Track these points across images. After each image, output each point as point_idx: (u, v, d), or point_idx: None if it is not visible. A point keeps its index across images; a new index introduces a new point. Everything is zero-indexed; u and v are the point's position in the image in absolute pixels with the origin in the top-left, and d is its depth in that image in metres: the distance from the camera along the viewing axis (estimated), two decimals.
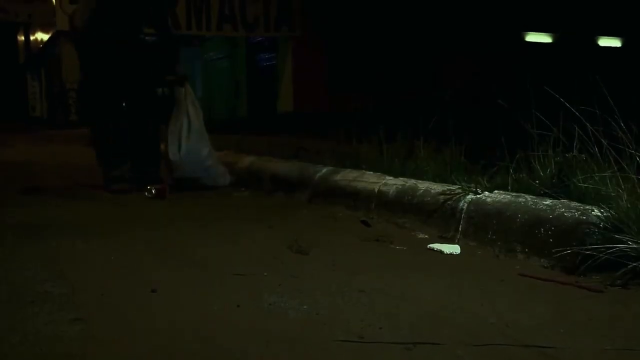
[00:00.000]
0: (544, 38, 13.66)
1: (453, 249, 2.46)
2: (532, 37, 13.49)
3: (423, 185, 2.92)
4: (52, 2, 13.13)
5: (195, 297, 1.87)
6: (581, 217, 2.15)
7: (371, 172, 3.33)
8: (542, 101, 2.69)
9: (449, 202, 2.67)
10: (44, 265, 2.19)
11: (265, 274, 2.12)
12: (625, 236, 1.97)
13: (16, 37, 23.57)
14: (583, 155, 2.41)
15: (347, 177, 3.40)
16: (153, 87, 4.33)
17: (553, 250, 2.15)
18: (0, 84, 31.62)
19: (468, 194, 2.63)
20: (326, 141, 5.58)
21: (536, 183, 2.51)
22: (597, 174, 2.24)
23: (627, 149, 2.18)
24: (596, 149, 2.32)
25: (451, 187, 2.75)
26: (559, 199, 2.33)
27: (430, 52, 11.24)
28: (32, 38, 19.25)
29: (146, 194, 3.84)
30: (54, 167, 6.00)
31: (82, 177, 4.83)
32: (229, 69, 16.15)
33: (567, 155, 2.46)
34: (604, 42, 14.34)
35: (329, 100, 12.19)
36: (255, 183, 4.19)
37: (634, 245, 1.92)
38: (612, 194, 2.13)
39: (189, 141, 4.09)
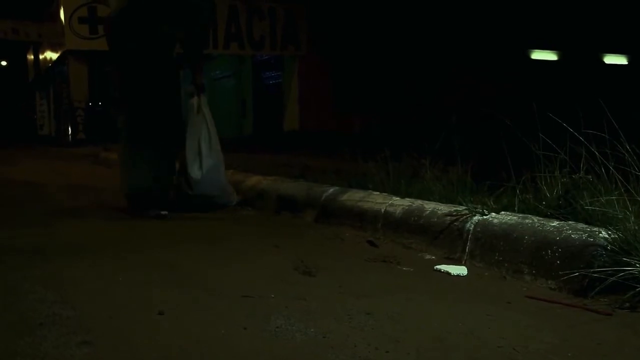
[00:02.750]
0: (550, 56, 13.70)
1: (460, 270, 2.45)
2: (538, 55, 13.53)
3: (430, 206, 2.92)
4: (61, 22, 13.29)
5: (203, 320, 1.87)
6: (588, 239, 2.14)
7: (377, 193, 3.34)
8: (548, 121, 2.69)
9: (455, 223, 2.67)
10: (52, 288, 2.19)
11: (272, 295, 2.12)
12: (633, 259, 1.96)
13: (26, 56, 23.80)
14: (590, 177, 2.41)
15: (354, 197, 3.40)
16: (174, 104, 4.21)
17: (560, 272, 2.15)
18: (9, 103, 31.91)
19: (475, 215, 2.63)
20: (332, 160, 5.61)
21: (543, 204, 2.51)
22: (604, 197, 2.24)
23: (633, 171, 2.18)
24: (603, 170, 2.32)
25: (458, 208, 2.75)
26: (566, 221, 2.33)
27: (436, 71, 11.28)
28: (41, 57, 19.44)
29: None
30: (62, 186, 6.02)
31: (91, 197, 4.86)
32: (235, 87, 16.25)
33: (573, 176, 2.46)
34: (610, 59, 14.36)
35: (335, 118, 12.24)
36: (261, 202, 4.20)
37: None
38: (619, 216, 2.13)
39: (210, 157, 3.98)
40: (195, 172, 3.93)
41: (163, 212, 3.88)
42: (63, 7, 13.18)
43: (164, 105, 4.06)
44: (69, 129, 15.27)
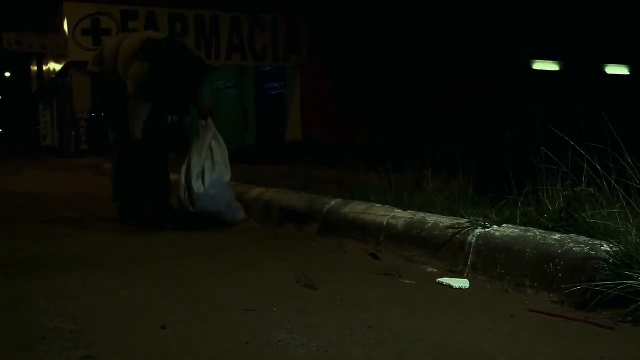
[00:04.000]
0: (551, 66, 13.72)
1: (462, 283, 2.45)
2: (540, 65, 13.56)
3: (432, 218, 2.92)
4: (65, 33, 13.37)
5: (205, 334, 1.88)
6: (590, 252, 2.14)
7: (380, 205, 3.34)
8: (549, 133, 2.70)
9: (457, 236, 2.68)
10: (54, 301, 2.20)
11: (274, 309, 2.13)
12: (635, 272, 1.96)
13: (29, 68, 23.92)
14: (591, 189, 2.42)
15: (356, 209, 3.41)
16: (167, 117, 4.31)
17: (562, 286, 2.15)
18: (12, 114, 32.04)
19: (477, 228, 2.63)
20: (335, 170, 5.62)
21: (544, 217, 2.51)
22: (606, 210, 2.24)
23: (634, 184, 2.18)
24: (604, 183, 2.33)
25: (460, 221, 2.75)
26: (568, 234, 2.33)
27: (438, 81, 11.30)
28: (44, 68, 19.53)
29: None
30: (64, 197, 6.04)
31: (93, 208, 4.87)
32: (237, 97, 16.31)
33: (575, 189, 2.47)
34: (612, 69, 14.38)
35: (337, 128, 12.25)
36: (264, 214, 4.21)
37: None
38: (621, 230, 2.13)
39: (214, 174, 3.98)
40: (198, 187, 3.92)
41: (165, 225, 3.90)
42: (67, 19, 13.26)
43: (154, 123, 4.08)
44: (72, 139, 15.33)
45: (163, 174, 4.24)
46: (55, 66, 16.96)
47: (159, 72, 3.86)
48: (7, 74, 33.15)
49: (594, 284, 2.03)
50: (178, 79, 3.94)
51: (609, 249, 2.11)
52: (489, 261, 2.49)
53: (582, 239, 2.25)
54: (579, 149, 2.39)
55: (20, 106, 30.11)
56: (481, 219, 2.68)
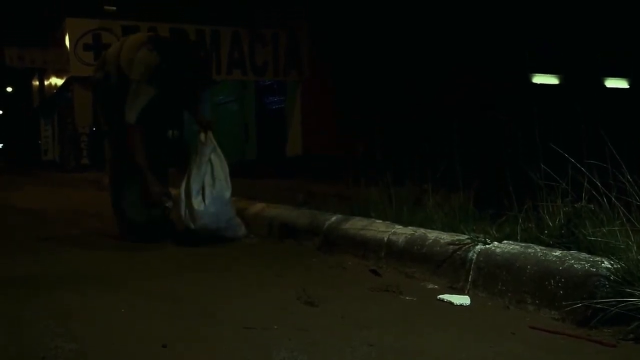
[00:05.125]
0: (551, 79, 13.77)
1: (463, 300, 2.45)
2: (539, 79, 13.61)
3: (432, 234, 2.92)
4: (67, 48, 13.43)
5: (206, 352, 1.87)
6: (591, 268, 2.14)
7: (380, 221, 3.34)
8: (549, 150, 2.70)
9: (458, 252, 2.68)
10: (54, 319, 2.19)
11: (275, 327, 2.12)
12: (636, 289, 1.96)
13: (31, 82, 24.01)
14: (592, 205, 2.42)
15: (356, 225, 3.41)
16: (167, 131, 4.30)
17: (563, 303, 2.14)
18: (14, 128, 32.13)
19: (477, 244, 2.63)
20: (335, 185, 5.62)
21: (545, 233, 2.51)
22: (606, 227, 2.24)
23: (634, 201, 2.19)
24: (604, 200, 2.33)
25: (460, 237, 2.75)
26: (569, 250, 2.33)
27: (436, 96, 11.34)
28: (46, 83, 19.60)
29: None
30: (65, 212, 6.02)
31: (94, 224, 4.86)
32: (238, 112, 16.34)
33: (575, 205, 2.47)
34: (611, 83, 14.43)
35: (338, 142, 12.26)
36: (265, 230, 4.21)
37: None
38: (622, 246, 2.13)
39: (214, 190, 3.94)
40: (197, 203, 3.88)
41: (165, 242, 3.90)
42: (68, 34, 13.33)
43: (153, 135, 4.07)
44: (73, 154, 15.36)
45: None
46: (56, 81, 17.02)
47: (164, 61, 3.85)
48: (9, 89, 33.27)
49: (595, 301, 2.03)
50: (182, 74, 3.93)
51: (609, 266, 2.11)
52: (490, 278, 2.49)
53: (583, 255, 2.25)
54: (579, 165, 2.40)
55: (22, 121, 30.20)
56: (482, 235, 2.68)
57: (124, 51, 4.00)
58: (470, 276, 2.58)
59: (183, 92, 4.11)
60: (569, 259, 2.24)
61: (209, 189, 3.93)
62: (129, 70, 3.91)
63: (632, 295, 1.95)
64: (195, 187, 3.91)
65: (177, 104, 4.23)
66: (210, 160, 4.00)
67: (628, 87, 14.46)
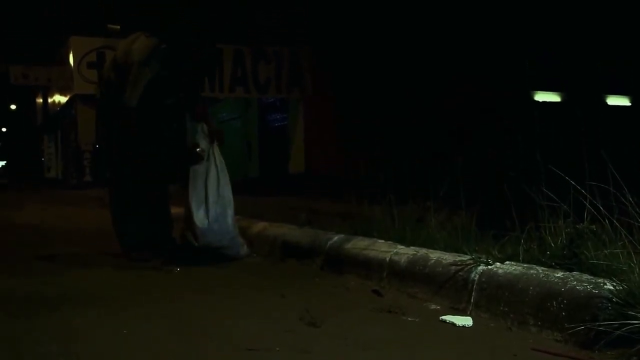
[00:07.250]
0: (552, 97, 13.81)
1: (465, 321, 2.44)
2: (541, 97, 13.65)
3: (434, 255, 2.92)
4: (70, 66, 13.54)
5: None
6: (593, 290, 2.14)
7: (382, 241, 3.35)
8: (551, 171, 2.71)
9: (460, 273, 2.68)
10: (57, 340, 2.19)
11: (277, 348, 2.12)
12: (639, 312, 1.95)
13: (35, 100, 24.17)
14: (594, 226, 2.42)
15: (359, 245, 3.41)
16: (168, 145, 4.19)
17: (566, 325, 2.14)
18: (17, 145, 32.26)
19: (479, 265, 2.63)
20: (338, 203, 5.62)
21: (547, 254, 2.51)
22: (608, 248, 2.24)
23: (636, 223, 2.19)
24: (606, 221, 2.33)
25: (462, 258, 2.75)
26: (571, 271, 2.33)
27: (439, 116, 11.37)
28: (50, 100, 19.74)
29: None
30: (68, 230, 6.03)
31: (96, 243, 4.85)
32: (241, 129, 16.41)
33: (577, 226, 2.47)
34: (613, 100, 14.46)
35: (340, 160, 12.29)
36: (267, 249, 4.21)
37: None
38: (624, 268, 2.13)
39: (217, 207, 3.88)
40: (200, 220, 3.84)
41: (167, 260, 3.89)
42: (73, 52, 13.45)
43: (151, 154, 4.06)
44: (76, 171, 15.41)
45: (163, 206, 4.22)
46: (60, 98, 17.14)
47: (163, 42, 3.88)
48: (13, 106, 33.45)
49: (597, 323, 2.02)
50: (183, 67, 3.94)
51: (612, 288, 2.11)
52: (492, 299, 2.49)
53: (585, 277, 2.25)
54: (579, 188, 2.40)
55: (25, 138, 30.32)
56: (484, 255, 2.68)
57: (120, 51, 4.07)
58: (472, 297, 2.57)
59: (183, 84, 4.07)
60: (572, 281, 2.24)
61: (212, 206, 3.88)
62: (127, 58, 3.92)
63: (635, 318, 1.95)
64: (195, 203, 3.85)
65: (177, 104, 4.19)
66: (215, 175, 3.93)
67: (630, 104, 14.49)
